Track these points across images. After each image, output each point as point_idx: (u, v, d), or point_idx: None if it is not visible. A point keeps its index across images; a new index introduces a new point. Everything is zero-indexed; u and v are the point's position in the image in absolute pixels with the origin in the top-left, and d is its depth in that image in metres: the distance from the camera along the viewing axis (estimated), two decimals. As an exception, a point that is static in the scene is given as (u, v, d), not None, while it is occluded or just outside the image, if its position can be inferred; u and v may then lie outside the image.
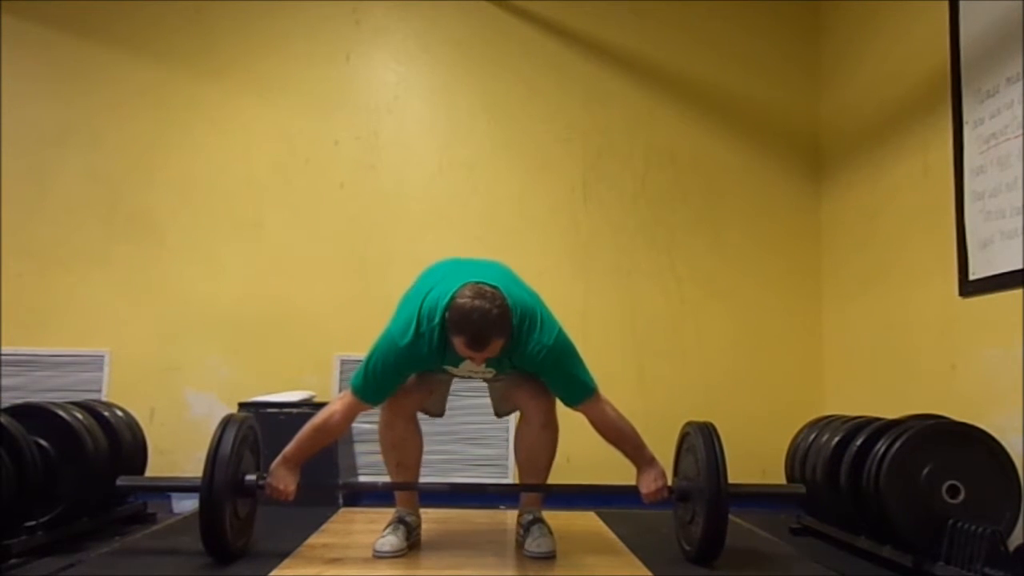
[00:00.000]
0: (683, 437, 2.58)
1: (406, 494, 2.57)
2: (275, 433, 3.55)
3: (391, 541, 2.40)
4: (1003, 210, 2.72)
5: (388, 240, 4.16)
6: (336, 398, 2.46)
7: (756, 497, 2.58)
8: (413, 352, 2.25)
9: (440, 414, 2.65)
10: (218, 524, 2.24)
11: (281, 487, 2.38)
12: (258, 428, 2.58)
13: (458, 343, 2.17)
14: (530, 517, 2.52)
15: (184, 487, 2.32)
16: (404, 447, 2.52)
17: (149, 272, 4.10)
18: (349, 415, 2.40)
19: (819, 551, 2.79)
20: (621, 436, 2.44)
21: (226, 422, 2.36)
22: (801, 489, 2.73)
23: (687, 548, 2.45)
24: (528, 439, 2.52)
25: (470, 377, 2.48)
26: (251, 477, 2.41)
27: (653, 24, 4.36)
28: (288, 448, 2.43)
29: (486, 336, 2.14)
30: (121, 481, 2.58)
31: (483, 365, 2.30)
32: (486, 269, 2.40)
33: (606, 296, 4.19)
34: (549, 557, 2.38)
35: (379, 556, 2.35)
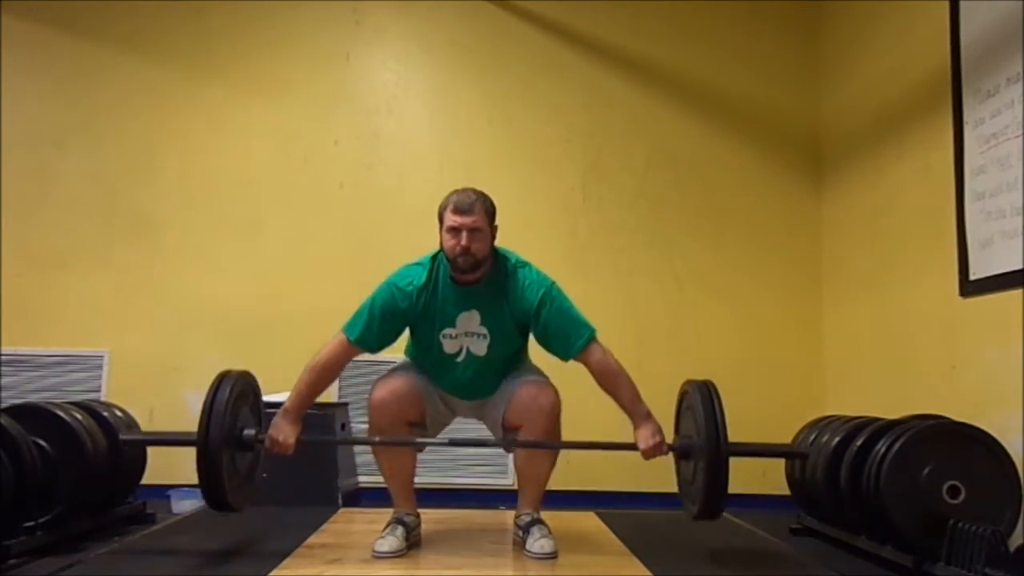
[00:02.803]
0: (682, 396, 2.55)
1: (404, 494, 2.56)
2: (275, 433, 3.56)
3: (390, 542, 2.39)
4: (1003, 210, 2.72)
5: (388, 240, 4.16)
6: (326, 344, 2.51)
7: (756, 453, 2.58)
8: (405, 290, 2.42)
9: (419, 449, 2.62)
10: (214, 475, 2.23)
11: (281, 438, 2.40)
12: (259, 389, 2.59)
13: (447, 214, 2.39)
14: (528, 518, 2.51)
15: (183, 441, 2.34)
16: (393, 453, 2.54)
17: (149, 272, 4.10)
18: (340, 353, 2.48)
19: (819, 551, 2.79)
20: (620, 384, 2.46)
21: (221, 377, 2.36)
22: (804, 450, 2.68)
23: (692, 507, 2.43)
24: (528, 450, 2.50)
25: (466, 355, 2.47)
26: (250, 431, 2.41)
27: (653, 24, 4.36)
28: (287, 402, 2.49)
29: (471, 200, 2.39)
30: (124, 435, 2.66)
31: (478, 322, 2.42)
32: None
33: (606, 296, 4.19)
34: (551, 558, 2.37)
35: (378, 557, 2.35)
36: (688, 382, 2.47)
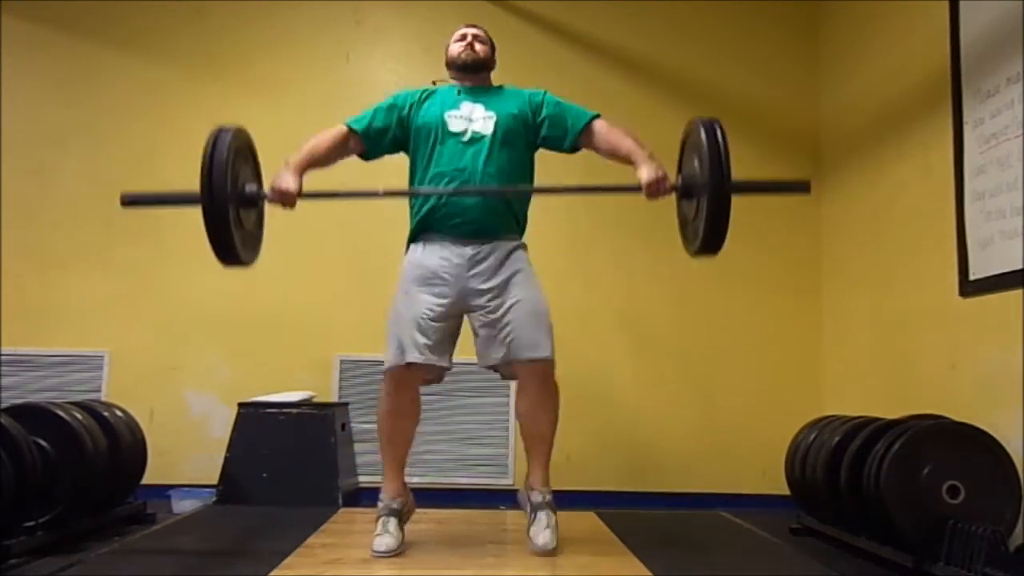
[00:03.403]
0: (686, 135, 2.41)
1: (394, 476, 2.51)
2: (275, 433, 3.58)
3: (387, 541, 2.36)
4: (1003, 210, 2.72)
5: (388, 240, 4.14)
6: None
7: (758, 189, 2.57)
8: (407, 90, 2.59)
9: (442, 376, 2.55)
10: (223, 228, 2.26)
11: (284, 186, 2.45)
12: (253, 144, 2.52)
13: (453, 39, 2.61)
14: (540, 498, 2.47)
15: (186, 199, 2.35)
16: (401, 417, 2.51)
17: (149, 272, 4.10)
18: (336, 133, 2.60)
19: (819, 551, 2.79)
20: (621, 135, 2.52)
21: (218, 132, 2.33)
22: (805, 185, 2.51)
23: (692, 243, 2.42)
24: (527, 405, 2.51)
25: (471, 136, 2.46)
26: (252, 187, 2.44)
27: (653, 24, 4.36)
28: (291, 158, 2.55)
29: (475, 26, 2.63)
30: (127, 197, 2.54)
31: (483, 109, 2.49)
32: None
33: (605, 295, 4.19)
34: (549, 553, 2.36)
35: (378, 556, 2.34)
36: (693, 120, 2.34)
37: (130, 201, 2.54)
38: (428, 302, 2.43)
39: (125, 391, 3.82)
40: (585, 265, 4.21)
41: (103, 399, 3.74)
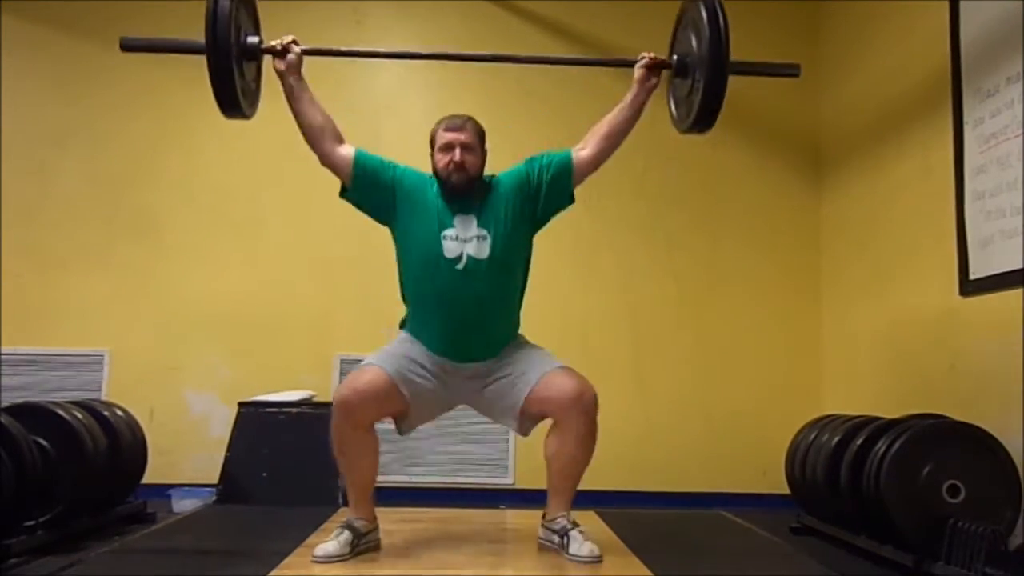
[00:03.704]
0: (682, 13, 2.46)
1: (359, 499, 2.43)
2: (275, 433, 3.59)
3: (330, 547, 2.30)
4: (1003, 210, 2.72)
5: (388, 240, 4.15)
6: None
7: (757, 72, 2.59)
8: (414, 175, 2.49)
9: (401, 433, 2.53)
10: (227, 80, 2.29)
11: (286, 40, 2.52)
12: None
13: (439, 133, 2.43)
14: (564, 521, 2.43)
15: (189, 47, 2.41)
16: (350, 456, 2.40)
17: (149, 272, 4.10)
18: (340, 135, 2.54)
19: (819, 551, 2.79)
20: (605, 124, 2.54)
21: None
22: (796, 68, 2.59)
23: (684, 119, 2.46)
24: (568, 445, 2.38)
25: (467, 261, 2.37)
26: (253, 39, 2.46)
27: (653, 24, 4.31)
28: None
29: (462, 119, 2.44)
30: (126, 41, 2.52)
31: (475, 225, 2.38)
32: None
33: (606, 296, 4.19)
34: (598, 561, 2.31)
35: (315, 561, 2.26)
36: None
37: (129, 45, 2.54)
38: (417, 373, 2.41)
39: (125, 391, 3.82)
40: (586, 265, 4.21)
41: (103, 399, 3.74)
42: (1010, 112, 2.70)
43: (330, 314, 4.14)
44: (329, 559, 2.27)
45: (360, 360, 3.99)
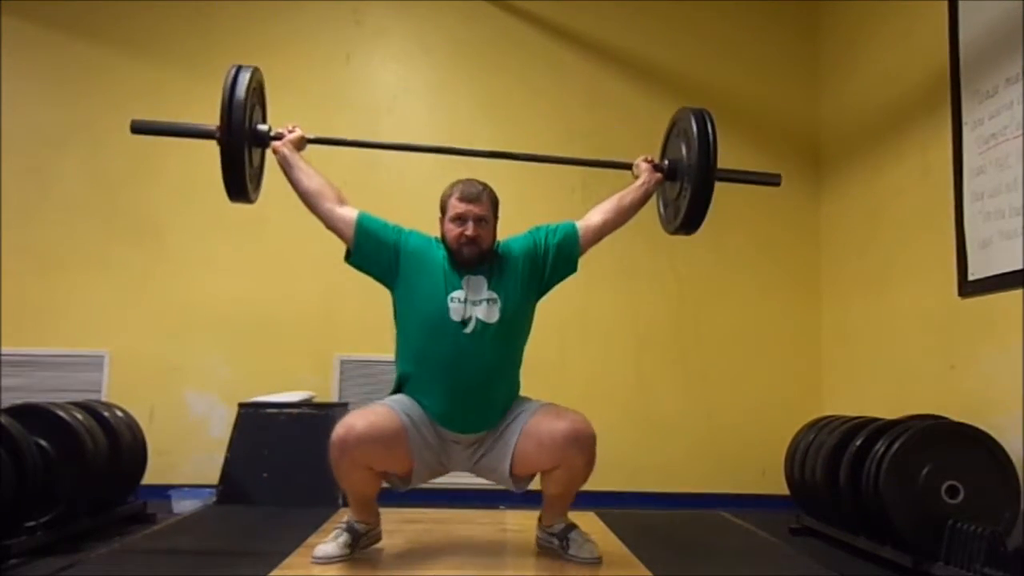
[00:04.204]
0: (673, 123, 2.61)
1: (361, 507, 2.40)
2: (275, 433, 3.59)
3: (326, 548, 2.29)
4: (1002, 210, 2.73)
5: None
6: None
7: (740, 178, 2.65)
8: (419, 238, 2.45)
9: (400, 490, 2.41)
10: (238, 167, 2.36)
11: (289, 128, 2.53)
12: (264, 82, 2.59)
13: (452, 201, 2.37)
14: (563, 525, 2.43)
15: (202, 132, 2.48)
16: (351, 484, 2.32)
17: (149, 272, 4.10)
18: (340, 198, 2.48)
19: (819, 551, 2.79)
20: (614, 200, 2.54)
21: (236, 70, 2.41)
22: (777, 178, 2.69)
23: (672, 222, 2.60)
24: (566, 480, 2.32)
25: (475, 325, 2.29)
26: (263, 127, 2.52)
27: (653, 24, 4.37)
28: None
29: (478, 189, 2.38)
30: (137, 124, 2.66)
31: (486, 287, 2.33)
32: None
33: (606, 297, 4.20)
34: (598, 562, 2.32)
35: (314, 562, 2.27)
36: (682, 109, 2.52)
37: (139, 128, 2.60)
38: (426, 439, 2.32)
39: (125, 391, 3.82)
40: (586, 265, 4.18)
41: (103, 399, 3.74)
42: (1009, 113, 2.71)
43: (330, 315, 4.14)
44: (328, 560, 2.27)
45: (360, 360, 4.07)
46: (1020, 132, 2.65)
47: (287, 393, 3.74)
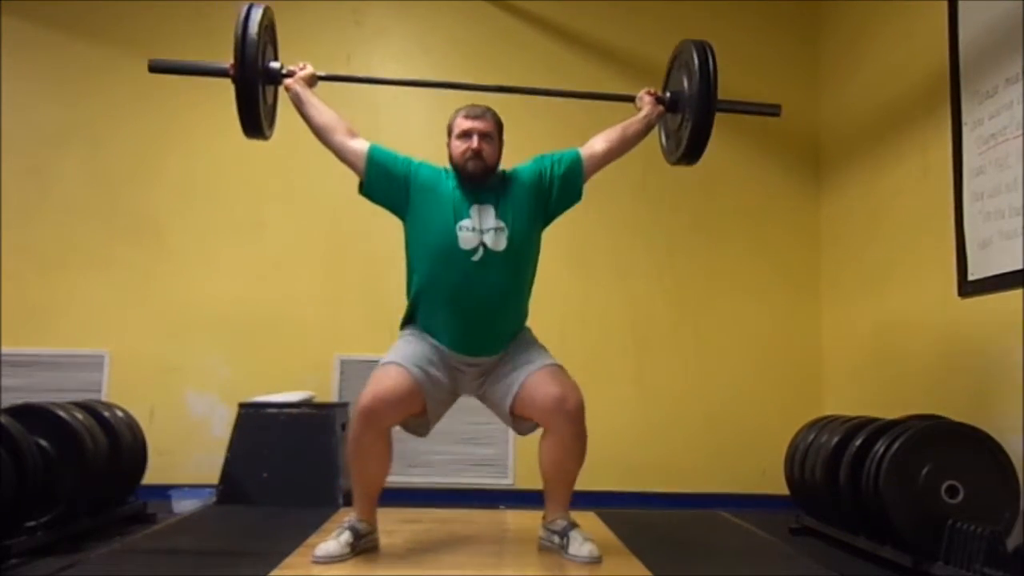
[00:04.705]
0: (675, 56, 2.66)
1: (365, 503, 2.43)
2: (275, 433, 3.59)
3: (329, 546, 2.30)
4: (1002, 210, 2.73)
5: (388, 240, 4.15)
6: None
7: (740, 108, 2.72)
8: (429, 168, 2.50)
9: (423, 435, 2.51)
10: (252, 103, 2.40)
11: (300, 66, 2.56)
12: (275, 21, 2.64)
13: (458, 120, 2.46)
14: (564, 523, 2.44)
15: (216, 70, 2.52)
16: (367, 460, 2.37)
17: (149, 272, 4.11)
18: (352, 130, 2.51)
19: (819, 551, 2.79)
20: (617, 129, 2.62)
21: (248, 8, 2.43)
22: (776, 109, 2.72)
23: (673, 152, 2.67)
24: (555, 453, 2.39)
25: (483, 253, 2.36)
26: (275, 64, 2.56)
27: (652, 24, 4.36)
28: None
29: (481, 108, 2.47)
30: (154, 63, 2.63)
31: (493, 216, 2.39)
32: None
33: (606, 297, 4.20)
34: (599, 562, 2.32)
35: (316, 561, 2.27)
36: (683, 41, 2.58)
37: (156, 66, 2.63)
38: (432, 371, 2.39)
39: (125, 391, 3.82)
40: (586, 266, 4.21)
41: (103, 399, 3.74)
42: (1009, 113, 2.71)
43: (330, 315, 4.14)
44: (330, 559, 2.28)
45: (360, 360, 4.07)
46: (1020, 132, 2.65)
47: (287, 393, 3.74)
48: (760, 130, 4.32)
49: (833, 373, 4.09)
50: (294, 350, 4.09)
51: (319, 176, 4.24)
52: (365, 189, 2.50)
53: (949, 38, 3.04)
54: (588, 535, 2.42)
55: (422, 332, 2.46)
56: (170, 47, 4.23)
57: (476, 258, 2.37)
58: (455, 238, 2.37)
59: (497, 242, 2.39)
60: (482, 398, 2.54)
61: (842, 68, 4.10)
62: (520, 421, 2.47)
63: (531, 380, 2.38)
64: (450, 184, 2.46)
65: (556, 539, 2.44)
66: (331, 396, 4.01)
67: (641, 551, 2.50)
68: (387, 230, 4.18)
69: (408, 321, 2.52)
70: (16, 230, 4.05)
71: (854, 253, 3.89)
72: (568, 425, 2.34)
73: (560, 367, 2.45)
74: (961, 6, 3.00)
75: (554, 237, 4.15)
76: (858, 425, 2.80)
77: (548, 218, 2.57)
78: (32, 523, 2.53)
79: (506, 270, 2.41)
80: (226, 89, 4.47)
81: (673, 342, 4.18)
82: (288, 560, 2.33)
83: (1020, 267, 2.62)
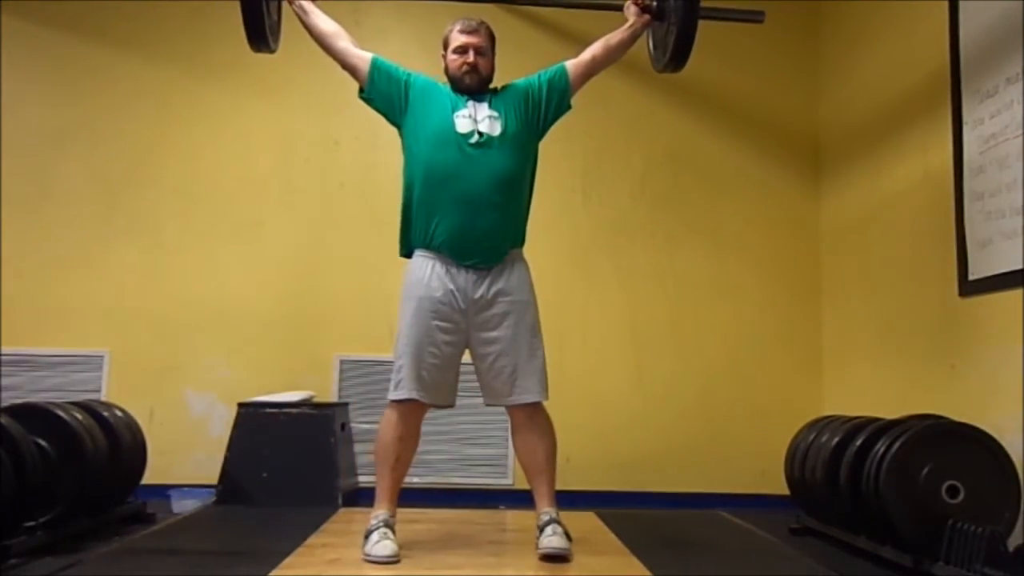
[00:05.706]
0: None
1: (391, 499, 2.50)
2: (275, 433, 3.59)
3: (390, 546, 2.34)
4: (1003, 210, 2.73)
5: (388, 240, 4.15)
6: None
7: (723, 15, 2.89)
8: (426, 78, 2.61)
9: (451, 404, 2.58)
10: (256, 11, 2.49)
11: None
12: None
13: (453, 34, 2.57)
14: (546, 517, 2.46)
15: None
16: (406, 444, 2.50)
17: (149, 272, 4.10)
18: (355, 42, 2.60)
19: (819, 551, 2.79)
20: (603, 40, 2.73)
21: None
22: (759, 16, 2.93)
23: (661, 59, 2.75)
24: (524, 440, 2.55)
25: (478, 138, 2.47)
26: None
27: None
28: None
29: (476, 22, 2.58)
30: None
31: (487, 108, 2.51)
32: None
33: (606, 296, 4.20)
34: (560, 556, 2.34)
35: (377, 561, 2.30)
36: None
37: None
38: (436, 340, 2.46)
39: (125, 391, 3.82)
40: (585, 266, 4.21)
41: (103, 399, 3.74)
42: (1009, 113, 2.70)
43: (330, 315, 4.14)
44: (391, 559, 2.31)
45: (360, 360, 4.07)
46: (1020, 132, 2.64)
47: (287, 393, 3.74)
48: (760, 130, 4.32)
49: (833, 372, 4.09)
50: (294, 350, 4.09)
51: (319, 175, 4.24)
52: (365, 92, 2.59)
53: (950, 37, 3.04)
54: (564, 530, 2.42)
55: (421, 260, 2.50)
56: (169, 47, 4.26)
57: (473, 141, 2.47)
58: (452, 123, 2.48)
59: (492, 127, 2.49)
60: (474, 345, 2.53)
61: (842, 68, 4.10)
62: (490, 390, 2.57)
63: (513, 412, 2.54)
64: (446, 89, 2.59)
65: (537, 532, 2.46)
66: (330, 396, 4.01)
67: (641, 551, 2.50)
68: (387, 229, 4.19)
69: (406, 242, 2.59)
70: (16, 230, 4.05)
71: (854, 252, 3.89)
72: (522, 416, 2.53)
73: (541, 406, 2.53)
74: (961, 6, 3.00)
75: (554, 237, 4.20)
76: (858, 425, 2.79)
77: (542, 127, 2.64)
78: (32, 523, 2.52)
79: (501, 156, 2.49)
80: (226, 89, 4.48)
81: (673, 342, 4.18)
82: (288, 560, 2.34)
83: (1020, 267, 2.61)
